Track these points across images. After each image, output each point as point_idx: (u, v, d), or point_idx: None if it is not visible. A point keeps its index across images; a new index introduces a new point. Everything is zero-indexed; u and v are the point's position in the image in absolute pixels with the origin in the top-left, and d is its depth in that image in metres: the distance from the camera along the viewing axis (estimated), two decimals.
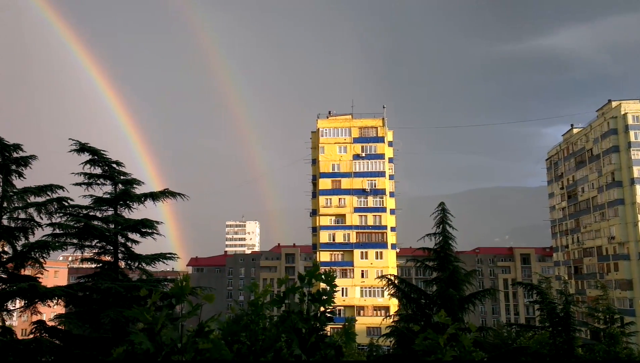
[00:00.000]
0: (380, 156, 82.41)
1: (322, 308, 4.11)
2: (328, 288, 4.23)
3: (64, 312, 20.93)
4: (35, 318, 19.08)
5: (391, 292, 24.00)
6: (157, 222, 21.38)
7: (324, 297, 4.04)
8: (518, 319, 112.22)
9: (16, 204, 18.57)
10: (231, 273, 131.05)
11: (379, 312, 74.96)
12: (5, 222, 18.54)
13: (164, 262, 21.97)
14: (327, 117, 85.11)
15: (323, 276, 4.34)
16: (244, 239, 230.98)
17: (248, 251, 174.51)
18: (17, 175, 19.03)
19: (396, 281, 24.16)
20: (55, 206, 19.19)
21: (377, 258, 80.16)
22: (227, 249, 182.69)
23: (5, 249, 18.64)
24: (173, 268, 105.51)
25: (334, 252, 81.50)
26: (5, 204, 18.45)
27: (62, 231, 19.70)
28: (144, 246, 22.01)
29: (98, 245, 20.85)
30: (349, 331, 4.09)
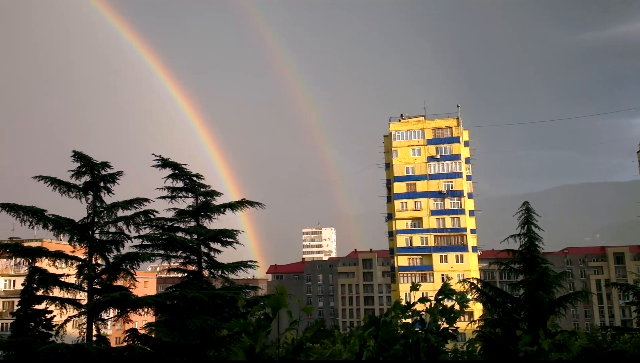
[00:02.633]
0: (456, 157, 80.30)
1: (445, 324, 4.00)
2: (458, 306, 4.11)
3: (153, 320, 21.85)
4: (127, 326, 20.05)
5: (475, 296, 23.16)
6: (237, 231, 21.92)
7: (452, 315, 3.92)
8: (613, 322, 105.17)
9: (106, 219, 19.63)
10: (309, 280, 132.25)
11: (462, 317, 72.72)
12: (97, 236, 19.66)
13: (244, 270, 22.49)
14: (400, 120, 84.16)
15: (457, 296, 4.25)
16: (320, 245, 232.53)
17: (325, 258, 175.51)
18: (106, 191, 20.15)
19: (480, 285, 23.30)
20: (142, 219, 20.11)
21: (457, 261, 78.01)
22: (304, 256, 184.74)
23: (99, 261, 19.74)
24: (253, 276, 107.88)
25: (412, 256, 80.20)
26: (96, 219, 19.57)
27: (149, 243, 20.66)
28: (225, 255, 22.61)
29: (183, 255, 21.65)
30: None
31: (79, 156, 19.99)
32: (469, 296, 25.32)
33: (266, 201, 22.77)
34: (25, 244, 21.05)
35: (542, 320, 19.69)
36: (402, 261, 79.87)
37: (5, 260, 61.61)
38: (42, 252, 19.10)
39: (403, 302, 4.41)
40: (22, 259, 19.27)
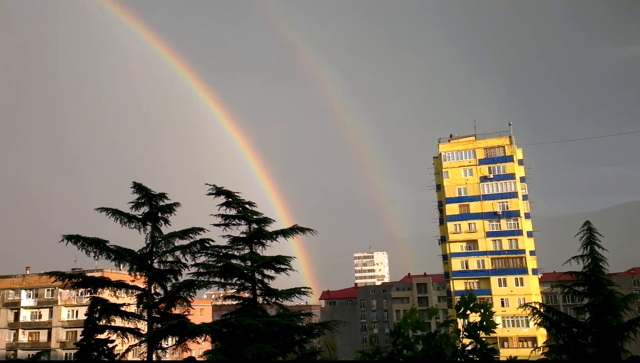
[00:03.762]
0: (510, 176, 78.21)
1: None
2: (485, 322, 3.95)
3: (210, 348, 22.07)
4: (186, 355, 20.34)
5: (537, 322, 22.20)
6: (290, 257, 22.04)
7: (481, 332, 3.76)
8: None
9: (164, 249, 20.20)
10: (363, 305, 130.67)
11: (524, 343, 69.93)
12: (156, 265, 20.23)
13: (298, 297, 22.50)
14: (449, 141, 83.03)
15: (480, 308, 4.08)
16: (373, 270, 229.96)
17: (378, 283, 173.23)
18: (163, 221, 20.80)
19: (542, 310, 22.35)
20: (198, 248, 20.57)
21: (517, 284, 75.29)
22: (357, 281, 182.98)
23: (157, 290, 20.25)
24: (307, 302, 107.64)
25: (469, 280, 78.01)
26: (155, 249, 20.17)
27: (205, 271, 21.05)
28: (279, 281, 22.71)
29: (238, 282, 21.90)
30: None
31: (138, 187, 20.77)
32: (532, 322, 24.34)
33: (317, 227, 22.83)
34: (88, 274, 21.87)
35: (610, 346, 18.67)
36: (458, 285, 77.81)
37: (68, 290, 64.01)
38: (104, 282, 19.78)
39: (460, 325, 4.27)
40: (85, 289, 20.01)
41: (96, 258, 19.36)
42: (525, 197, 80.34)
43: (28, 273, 77.90)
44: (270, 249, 22.52)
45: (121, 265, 20.19)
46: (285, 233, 22.37)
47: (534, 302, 23.10)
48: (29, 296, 76.47)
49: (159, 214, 20.81)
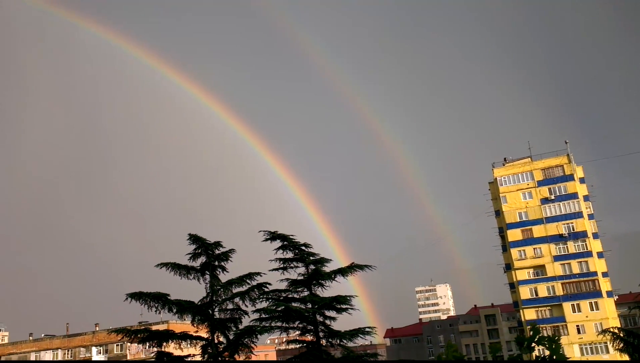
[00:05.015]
0: (573, 196, 75.03)
1: None
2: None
3: None
4: None
5: (618, 347, 20.76)
6: (350, 296, 21.66)
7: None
8: None
9: (224, 297, 20.33)
10: (430, 341, 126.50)
11: None
12: (217, 314, 20.33)
13: (362, 337, 21.95)
14: (504, 165, 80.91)
15: (546, 341, 3.70)
16: (436, 304, 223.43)
17: (443, 317, 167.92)
18: (221, 270, 21.02)
19: (622, 334, 20.90)
20: (257, 293, 20.59)
21: (592, 309, 71.09)
22: (421, 316, 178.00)
23: (220, 339, 20.28)
24: (371, 341, 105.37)
25: (540, 308, 74.33)
26: (214, 298, 20.33)
27: (266, 316, 20.96)
28: (341, 321, 22.29)
29: (300, 325, 21.64)
30: None
31: (194, 238, 21.15)
32: (612, 348, 22.75)
33: (375, 261, 22.50)
34: (154, 327, 22.24)
35: None
36: (529, 314, 74.25)
37: (136, 344, 65.24)
38: (169, 335, 20.02)
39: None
40: (152, 343, 20.26)
41: (158, 312, 19.69)
42: (591, 216, 76.74)
43: (97, 329, 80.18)
44: (330, 289, 22.27)
45: (184, 317, 20.41)
46: (343, 272, 22.11)
47: (613, 327, 21.68)
48: (99, 353, 78.41)
49: (216, 263, 21.07)
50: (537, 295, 74.52)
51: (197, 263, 20.98)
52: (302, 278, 22.03)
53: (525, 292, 75.08)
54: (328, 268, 22.41)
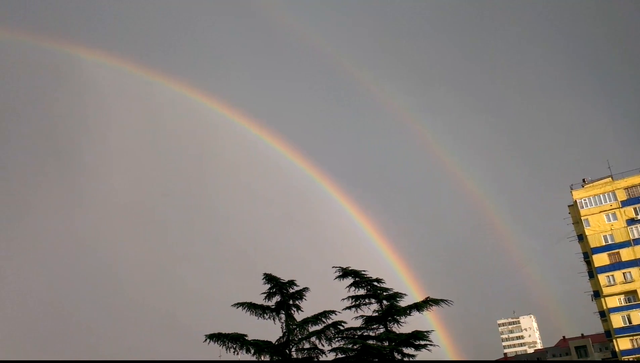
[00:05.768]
0: None
1: None
2: None
3: None
4: None
5: None
6: (428, 332, 21.08)
7: None
8: None
9: (300, 336, 20.36)
10: None
11: None
12: (294, 354, 20.34)
13: None
14: (583, 186, 77.01)
15: None
16: (521, 337, 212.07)
17: (530, 350, 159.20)
18: (295, 309, 21.12)
19: None
20: (333, 332, 20.47)
21: None
22: (505, 350, 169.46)
23: None
24: None
25: (635, 337, 68.94)
26: (290, 337, 20.38)
27: (343, 355, 20.74)
28: (420, 358, 21.65)
29: None
30: None
31: (268, 277, 21.47)
32: None
33: (452, 294, 21.85)
34: None
35: None
36: (623, 343, 69.01)
37: None
38: None
39: None
40: None
41: (236, 353, 19.95)
42: None
43: None
44: (406, 325, 21.78)
45: (262, 357, 20.56)
46: (418, 306, 21.64)
47: None
48: None
49: (291, 302, 21.23)
50: (630, 322, 69.26)
51: (272, 302, 21.21)
52: (376, 314, 21.73)
53: (617, 320, 69.99)
54: (403, 303, 22.01)
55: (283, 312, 20.89)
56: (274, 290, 21.24)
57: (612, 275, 71.36)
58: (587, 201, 75.02)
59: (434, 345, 21.38)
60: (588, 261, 74.80)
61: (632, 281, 69.88)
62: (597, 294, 73.09)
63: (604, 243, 72.47)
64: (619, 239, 71.69)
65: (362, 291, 22.16)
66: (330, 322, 20.51)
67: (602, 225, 73.03)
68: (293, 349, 20.27)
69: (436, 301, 21.38)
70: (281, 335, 20.62)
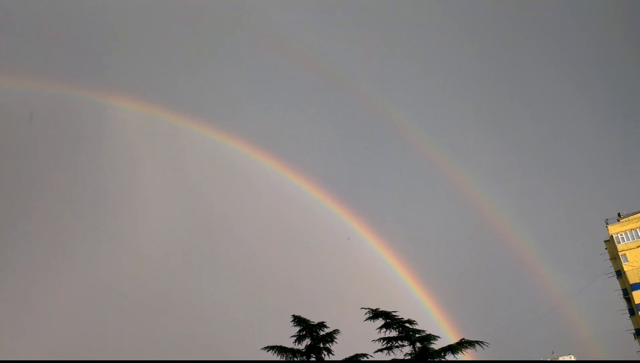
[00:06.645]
0: None
1: None
2: None
3: None
4: None
5: None
6: None
7: None
8: None
9: None
10: None
11: None
12: None
13: None
14: (618, 220, 74.83)
15: None
16: None
17: None
18: (326, 352, 20.69)
19: None
20: None
21: None
22: None
23: None
24: None
25: None
26: None
27: None
28: None
29: None
30: None
31: (298, 319, 21.17)
32: None
33: (487, 335, 21.19)
34: None
35: None
36: None
37: None
38: None
39: None
40: None
41: None
42: None
43: None
44: None
45: None
46: (453, 349, 20.99)
47: None
48: None
49: (321, 345, 20.82)
50: None
51: (302, 346, 20.86)
52: (409, 357, 21.15)
53: None
54: (436, 345, 21.39)
55: (314, 356, 20.47)
56: (304, 332, 20.90)
57: None
58: (624, 235, 72.76)
59: None
60: (628, 298, 71.97)
61: None
62: (639, 332, 69.98)
63: None
64: None
65: (393, 333, 21.64)
66: None
67: None
68: None
69: (471, 343, 20.71)
70: None
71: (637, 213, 74.16)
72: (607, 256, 75.95)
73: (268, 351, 20.24)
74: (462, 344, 20.84)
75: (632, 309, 71.30)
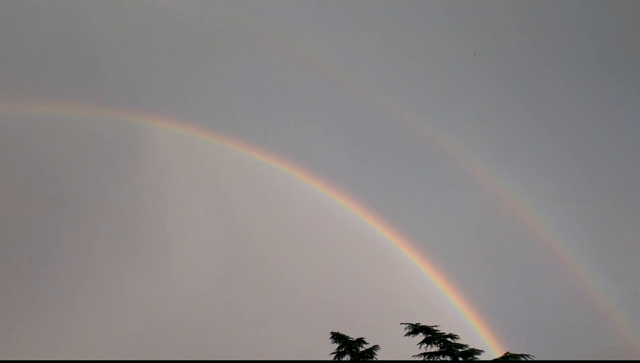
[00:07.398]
0: None
1: None
2: None
3: None
4: None
5: None
6: None
7: None
8: None
9: None
10: None
11: None
12: None
13: None
14: None
15: None
16: None
17: None
18: None
19: None
20: None
21: None
22: None
23: None
24: None
25: None
26: None
27: None
28: None
29: None
30: None
31: (336, 336, 20.96)
32: None
33: (534, 348, 20.41)
34: None
35: None
36: None
37: None
38: None
39: None
40: None
41: None
42: None
43: None
44: None
45: None
46: None
47: None
48: None
49: (361, 360, 20.53)
50: None
51: None
52: None
53: None
54: (480, 359, 20.79)
55: None
56: (343, 349, 20.66)
57: None
58: None
59: None
60: None
61: None
62: None
63: None
64: None
65: (434, 348, 21.15)
66: None
67: None
68: None
69: (516, 357, 20.04)
70: None
71: None
72: None
73: None
74: (507, 358, 20.20)
75: None
